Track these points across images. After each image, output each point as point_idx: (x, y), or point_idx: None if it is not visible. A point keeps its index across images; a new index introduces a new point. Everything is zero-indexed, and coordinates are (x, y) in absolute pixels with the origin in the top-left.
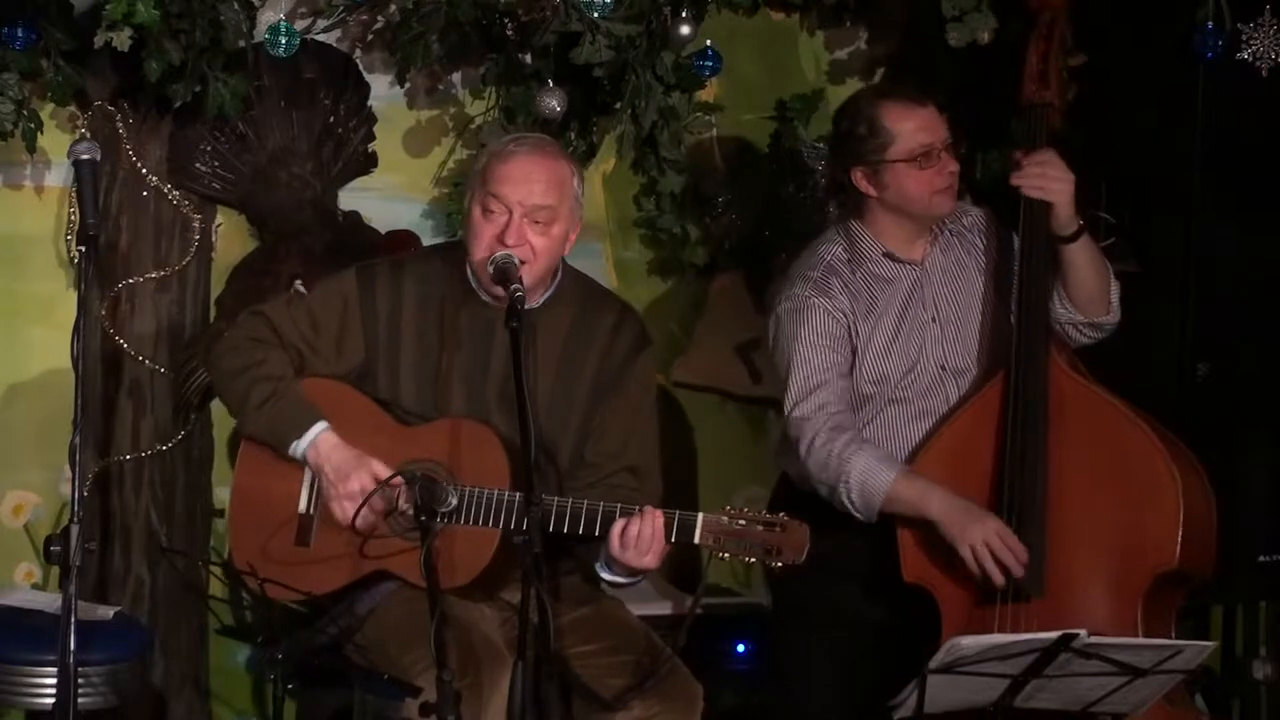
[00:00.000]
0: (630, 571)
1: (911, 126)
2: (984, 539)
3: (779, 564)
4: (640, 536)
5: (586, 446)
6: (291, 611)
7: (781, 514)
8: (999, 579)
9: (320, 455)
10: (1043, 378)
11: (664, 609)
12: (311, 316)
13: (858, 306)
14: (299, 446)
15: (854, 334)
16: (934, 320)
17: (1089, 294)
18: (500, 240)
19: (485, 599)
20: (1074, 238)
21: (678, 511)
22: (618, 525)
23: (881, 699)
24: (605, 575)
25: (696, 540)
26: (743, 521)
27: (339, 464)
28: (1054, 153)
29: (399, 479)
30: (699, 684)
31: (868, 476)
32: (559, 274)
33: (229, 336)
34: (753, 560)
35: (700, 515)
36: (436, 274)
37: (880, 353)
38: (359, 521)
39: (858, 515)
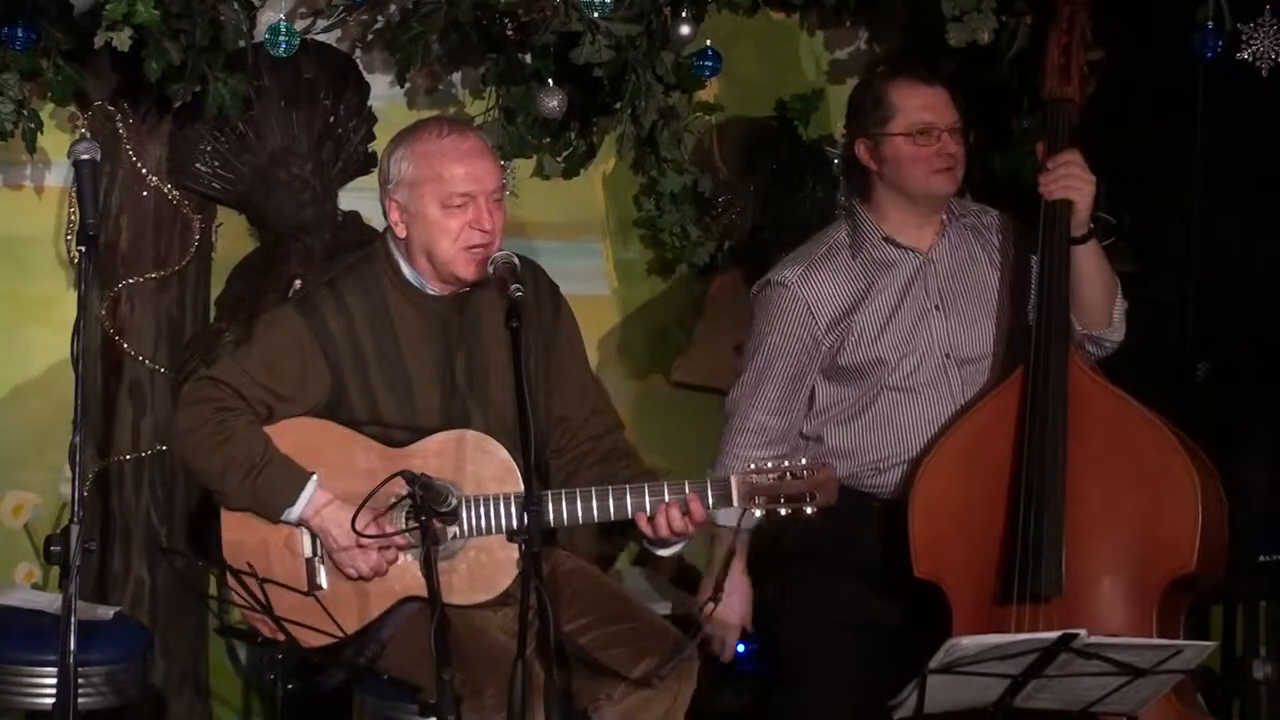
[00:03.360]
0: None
1: (916, 103)
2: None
3: (813, 509)
4: (672, 522)
5: (553, 402)
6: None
7: (803, 459)
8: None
9: (322, 519)
10: (1063, 377)
11: (664, 609)
12: (266, 364)
13: (851, 290)
14: (293, 512)
15: (843, 320)
16: (938, 309)
17: (1091, 303)
18: (475, 229)
19: (501, 603)
20: (1083, 239)
21: (709, 480)
22: (642, 520)
23: (888, 699)
24: (661, 552)
25: (735, 502)
26: (772, 476)
27: (342, 521)
28: (1077, 152)
29: (393, 485)
30: (695, 650)
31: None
32: None
33: (189, 413)
34: (788, 511)
35: (732, 478)
36: (374, 280)
37: (872, 337)
38: (376, 565)
39: None
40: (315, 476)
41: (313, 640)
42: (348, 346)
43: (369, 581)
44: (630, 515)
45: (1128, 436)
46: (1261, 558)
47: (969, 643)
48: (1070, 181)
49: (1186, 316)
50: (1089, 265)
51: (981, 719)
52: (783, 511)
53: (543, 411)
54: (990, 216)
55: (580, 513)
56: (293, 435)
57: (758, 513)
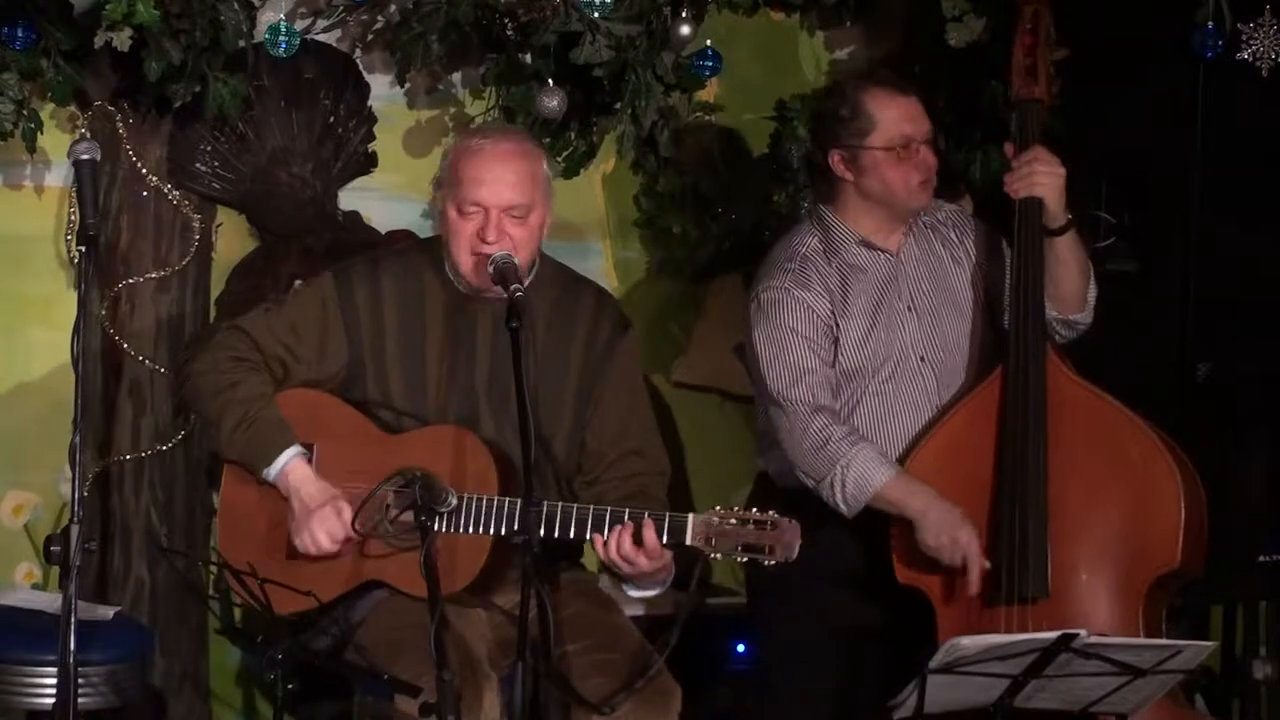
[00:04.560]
0: (644, 581)
1: (895, 115)
2: (952, 540)
3: (771, 562)
4: (621, 546)
5: (586, 435)
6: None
7: (771, 512)
8: (974, 587)
9: (290, 485)
10: (1042, 380)
11: (666, 609)
12: (291, 324)
13: (834, 296)
14: (270, 472)
15: (834, 325)
16: (910, 310)
17: (1070, 290)
18: (481, 238)
19: (478, 604)
20: (1062, 231)
21: (667, 514)
22: (597, 542)
23: (872, 704)
24: (631, 592)
25: (688, 541)
26: (734, 521)
27: (307, 499)
28: (1042, 148)
29: (381, 495)
30: (677, 684)
31: (867, 470)
32: (537, 262)
33: (207, 355)
34: (745, 560)
35: (690, 516)
36: (414, 270)
37: (858, 342)
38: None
39: (840, 507)
40: (298, 446)
41: (296, 605)
42: (370, 324)
43: (347, 556)
44: (587, 537)
45: (1108, 436)
46: (1261, 558)
47: (969, 643)
48: (1034, 178)
49: (1186, 316)
50: (1067, 255)
51: (981, 719)
52: (740, 560)
53: (562, 431)
54: (944, 212)
55: (541, 528)
56: (292, 401)
57: (715, 555)
